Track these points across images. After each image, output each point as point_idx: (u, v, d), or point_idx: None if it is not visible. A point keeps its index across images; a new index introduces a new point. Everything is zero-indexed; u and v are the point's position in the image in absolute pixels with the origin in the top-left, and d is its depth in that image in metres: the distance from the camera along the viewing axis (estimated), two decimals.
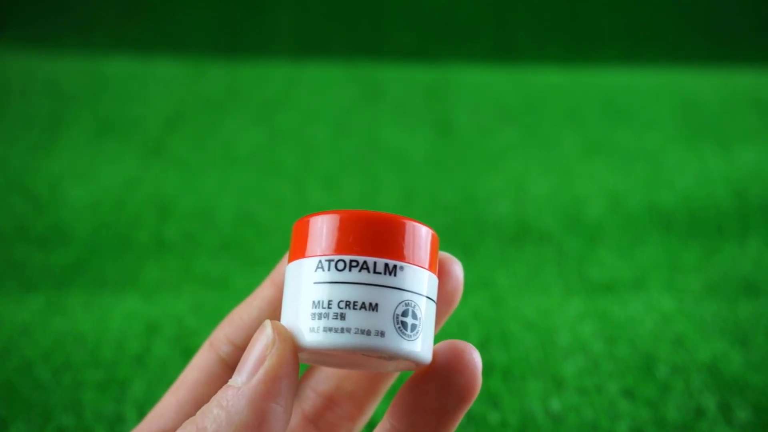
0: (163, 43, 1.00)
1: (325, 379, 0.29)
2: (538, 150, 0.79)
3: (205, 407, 0.24)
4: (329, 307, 0.24)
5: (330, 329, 0.24)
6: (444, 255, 0.28)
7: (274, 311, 0.28)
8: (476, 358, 0.25)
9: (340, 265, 0.24)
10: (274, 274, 0.29)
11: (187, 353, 0.49)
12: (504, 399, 0.46)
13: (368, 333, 0.24)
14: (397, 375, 0.29)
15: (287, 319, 0.25)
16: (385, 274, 0.24)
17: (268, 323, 0.24)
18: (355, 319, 0.24)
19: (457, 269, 0.28)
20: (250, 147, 0.79)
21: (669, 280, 0.60)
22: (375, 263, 0.24)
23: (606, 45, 1.03)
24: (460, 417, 0.25)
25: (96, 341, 0.51)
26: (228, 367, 0.29)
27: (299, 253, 0.25)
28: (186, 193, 0.70)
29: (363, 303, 0.24)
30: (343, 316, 0.24)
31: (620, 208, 0.69)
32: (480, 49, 1.02)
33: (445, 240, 0.65)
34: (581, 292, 0.59)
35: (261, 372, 0.23)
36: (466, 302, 0.56)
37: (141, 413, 0.44)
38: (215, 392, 0.24)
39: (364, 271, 0.24)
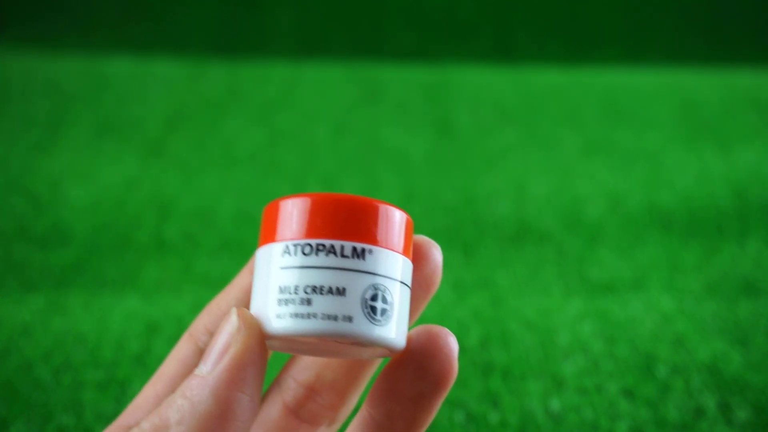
0: (163, 43, 1.00)
1: (305, 368, 0.28)
2: (538, 150, 0.79)
3: (170, 397, 0.23)
4: (296, 293, 0.24)
5: (296, 315, 0.23)
6: (422, 238, 0.27)
7: None
8: (452, 342, 0.25)
9: (307, 250, 0.24)
10: (251, 263, 0.28)
11: None
12: (504, 399, 0.46)
13: (335, 318, 0.23)
14: (377, 363, 0.28)
15: (256, 305, 0.24)
16: (353, 257, 0.24)
17: (233, 310, 0.24)
18: (321, 304, 0.23)
19: (436, 253, 0.27)
20: (250, 147, 0.79)
21: (669, 280, 0.60)
22: (343, 247, 0.24)
23: (606, 45, 1.03)
24: (438, 404, 0.25)
25: (96, 341, 0.51)
26: None
27: (269, 237, 0.25)
28: (186, 193, 0.70)
29: (330, 287, 0.23)
30: (309, 302, 0.23)
31: (620, 208, 0.69)
32: (480, 49, 1.02)
33: (445, 240, 0.65)
34: (581, 292, 0.59)
35: (225, 360, 0.23)
36: (466, 302, 0.56)
37: None
38: None
39: (332, 255, 0.24)
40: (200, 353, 0.28)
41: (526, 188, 0.72)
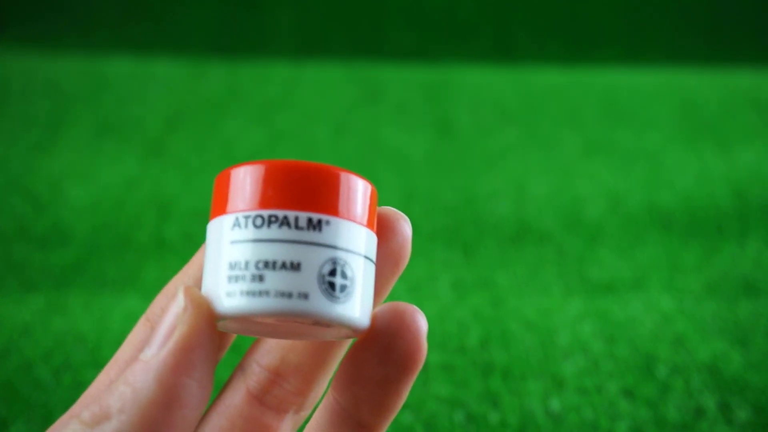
0: (163, 43, 1.00)
1: (268, 351, 0.26)
2: (538, 150, 0.79)
3: (113, 384, 0.21)
4: (246, 269, 0.22)
5: (248, 293, 0.22)
6: (388, 209, 0.25)
7: None
8: (419, 320, 0.23)
9: (258, 222, 0.22)
10: None
11: None
12: (504, 399, 0.46)
13: (289, 296, 0.21)
14: (345, 345, 0.26)
15: (207, 284, 0.23)
16: (308, 229, 0.22)
17: (180, 289, 0.22)
18: (274, 280, 0.21)
19: (404, 225, 0.25)
20: (250, 147, 0.79)
21: (669, 280, 0.60)
22: (297, 218, 0.22)
23: (606, 45, 1.03)
24: (407, 387, 0.23)
25: (96, 341, 0.51)
26: None
27: (219, 209, 0.23)
28: (186, 193, 0.70)
29: (283, 262, 0.22)
30: (261, 278, 0.22)
31: (620, 208, 0.69)
32: (480, 49, 1.02)
33: (445, 240, 0.65)
34: (581, 292, 0.59)
35: (170, 343, 0.21)
36: (466, 302, 0.56)
37: None
38: None
39: (285, 227, 0.22)
40: None
41: (526, 188, 0.72)
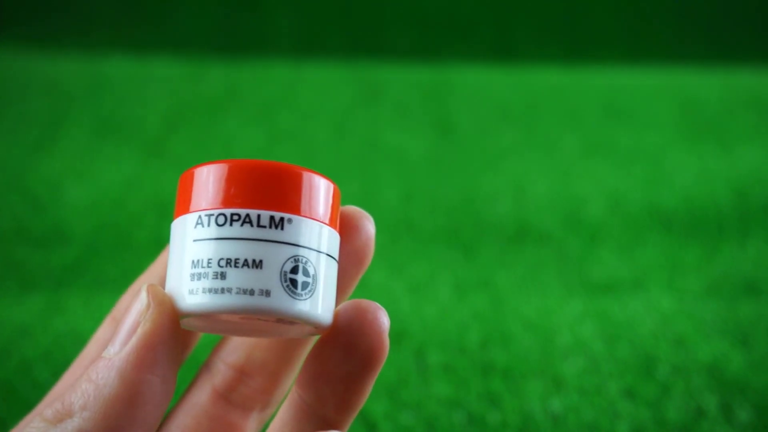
0: (162, 43, 1.00)
1: (234, 349, 0.27)
2: (538, 150, 0.79)
3: (76, 382, 0.22)
4: (209, 266, 0.22)
5: (210, 290, 0.22)
6: (352, 208, 0.25)
7: None
8: (381, 317, 0.23)
9: (221, 220, 0.22)
10: None
11: None
12: (504, 399, 0.46)
13: (251, 293, 0.22)
14: (310, 342, 0.26)
15: (171, 282, 0.23)
16: (270, 227, 0.22)
17: (143, 287, 0.22)
18: (236, 277, 0.22)
19: (367, 224, 0.25)
20: (250, 147, 0.79)
21: (669, 280, 0.60)
22: (259, 216, 0.22)
23: (606, 45, 1.03)
24: (369, 383, 0.24)
25: None
26: None
27: (183, 208, 0.24)
28: None
29: (246, 260, 0.22)
30: (223, 276, 0.22)
31: (620, 208, 0.69)
32: (480, 49, 1.02)
33: (445, 240, 0.65)
34: (581, 293, 0.59)
35: (133, 340, 0.21)
36: (466, 302, 0.56)
37: None
38: None
39: (247, 226, 0.22)
40: None
41: (526, 188, 0.72)
